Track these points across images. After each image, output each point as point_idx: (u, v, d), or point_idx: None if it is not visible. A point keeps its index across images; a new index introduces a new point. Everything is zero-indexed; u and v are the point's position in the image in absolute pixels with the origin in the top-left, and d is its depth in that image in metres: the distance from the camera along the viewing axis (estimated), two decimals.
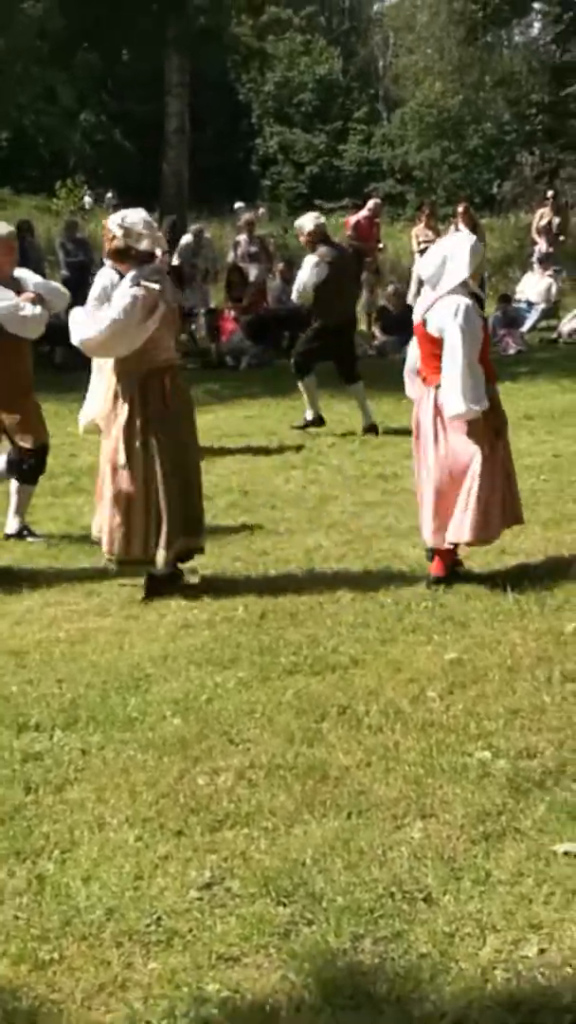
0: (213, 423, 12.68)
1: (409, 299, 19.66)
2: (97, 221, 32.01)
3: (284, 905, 3.85)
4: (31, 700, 5.57)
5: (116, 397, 7.01)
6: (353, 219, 20.80)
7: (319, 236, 12.01)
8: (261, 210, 29.35)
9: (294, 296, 12.57)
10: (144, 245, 7.03)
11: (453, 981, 3.48)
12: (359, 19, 60.40)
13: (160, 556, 6.98)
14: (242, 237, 19.93)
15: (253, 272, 19.05)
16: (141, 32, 23.24)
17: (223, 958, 3.61)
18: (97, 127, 44.77)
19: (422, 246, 20.28)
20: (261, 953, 3.63)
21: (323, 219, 12.66)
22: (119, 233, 7.05)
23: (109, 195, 38.63)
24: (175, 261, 19.25)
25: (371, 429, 11.95)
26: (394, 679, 5.64)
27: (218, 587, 7.21)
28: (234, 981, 3.51)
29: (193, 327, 19.18)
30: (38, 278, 8.26)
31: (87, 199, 35.05)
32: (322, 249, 11.95)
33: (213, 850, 4.19)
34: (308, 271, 11.91)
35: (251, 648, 6.14)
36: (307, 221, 12.21)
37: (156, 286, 6.87)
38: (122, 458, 6.87)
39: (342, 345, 12.26)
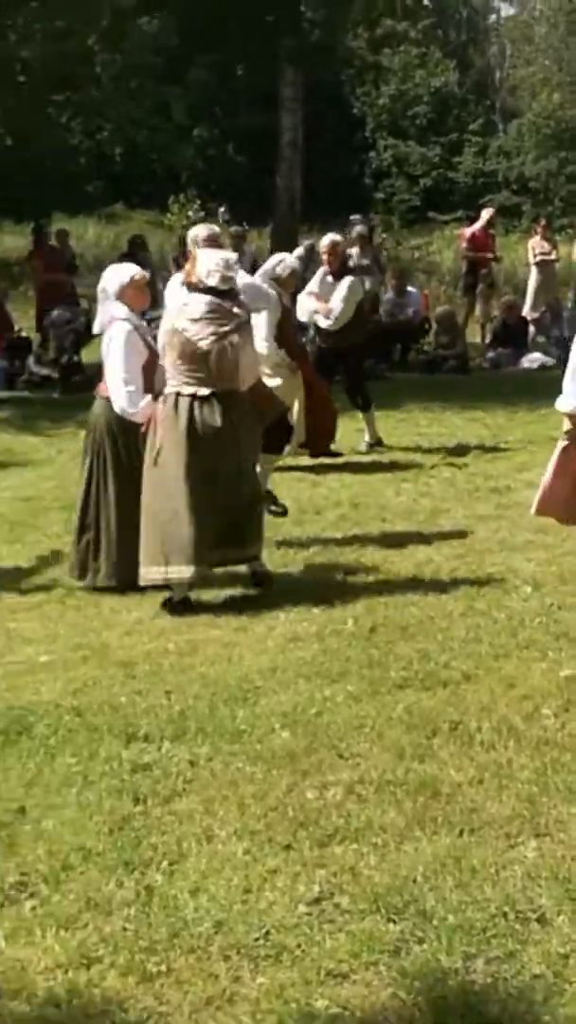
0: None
1: (524, 311, 19.51)
2: None
3: (394, 922, 3.79)
4: (140, 711, 5.57)
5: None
6: (469, 231, 20.67)
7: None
8: (372, 223, 29.29)
9: (330, 322, 11.44)
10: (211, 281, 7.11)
11: (567, 1003, 3.40)
12: (476, 31, 60.10)
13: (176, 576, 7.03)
14: (354, 250, 19.90)
15: (367, 285, 18.99)
16: (255, 47, 23.34)
17: (332, 974, 3.56)
18: (210, 142, 45.11)
19: (538, 258, 20.11)
20: (371, 970, 3.58)
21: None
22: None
23: (222, 209, 38.90)
24: None
25: (377, 443, 11.90)
26: (507, 695, 5.55)
27: (328, 600, 7.17)
28: (343, 998, 3.46)
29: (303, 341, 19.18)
30: None
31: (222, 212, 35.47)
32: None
33: (322, 865, 4.14)
34: (349, 294, 11.33)
35: (360, 662, 6.09)
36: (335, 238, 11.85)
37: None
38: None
39: (347, 369, 11.83)
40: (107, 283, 7.57)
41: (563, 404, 6.39)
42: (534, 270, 20.17)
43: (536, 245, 20.34)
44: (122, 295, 7.47)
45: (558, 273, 20.65)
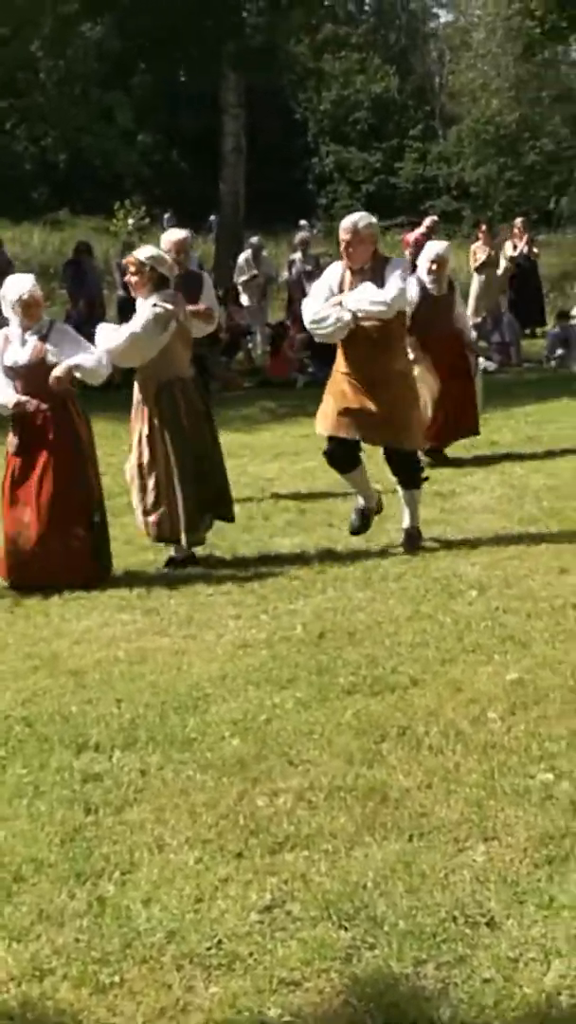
0: (270, 441, 12.71)
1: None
2: (154, 241, 32.24)
3: (345, 929, 3.82)
4: (90, 720, 5.57)
5: (137, 405, 8.21)
6: (412, 236, 20.79)
7: None
8: (315, 230, 29.41)
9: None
10: (163, 271, 8.13)
11: (517, 1007, 3.43)
12: (415, 37, 60.39)
13: (184, 538, 8.06)
14: (297, 256, 19.99)
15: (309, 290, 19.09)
16: (197, 52, 23.34)
17: (284, 982, 3.59)
18: (154, 147, 45.03)
19: (479, 263, 20.27)
20: (323, 977, 3.60)
21: None
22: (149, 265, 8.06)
23: (167, 215, 38.87)
24: (235, 278, 19.39)
25: None
26: (454, 700, 5.60)
27: (276, 606, 7.21)
28: (295, 1006, 3.48)
29: (250, 345, 19.24)
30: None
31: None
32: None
33: (273, 872, 4.17)
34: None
35: (309, 668, 6.12)
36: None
37: (171, 306, 7.99)
38: (147, 457, 8.07)
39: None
40: (6, 292, 7.94)
41: None
42: (475, 275, 20.32)
43: (478, 250, 20.49)
44: (13, 309, 7.88)
45: (498, 278, 20.82)
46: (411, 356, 9.54)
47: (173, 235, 9.65)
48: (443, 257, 10.90)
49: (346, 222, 8.45)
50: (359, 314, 8.01)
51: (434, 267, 10.79)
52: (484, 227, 21.95)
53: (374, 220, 8.67)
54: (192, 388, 8.22)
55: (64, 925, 3.92)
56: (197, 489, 8.04)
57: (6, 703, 5.85)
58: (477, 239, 21.16)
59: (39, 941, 3.84)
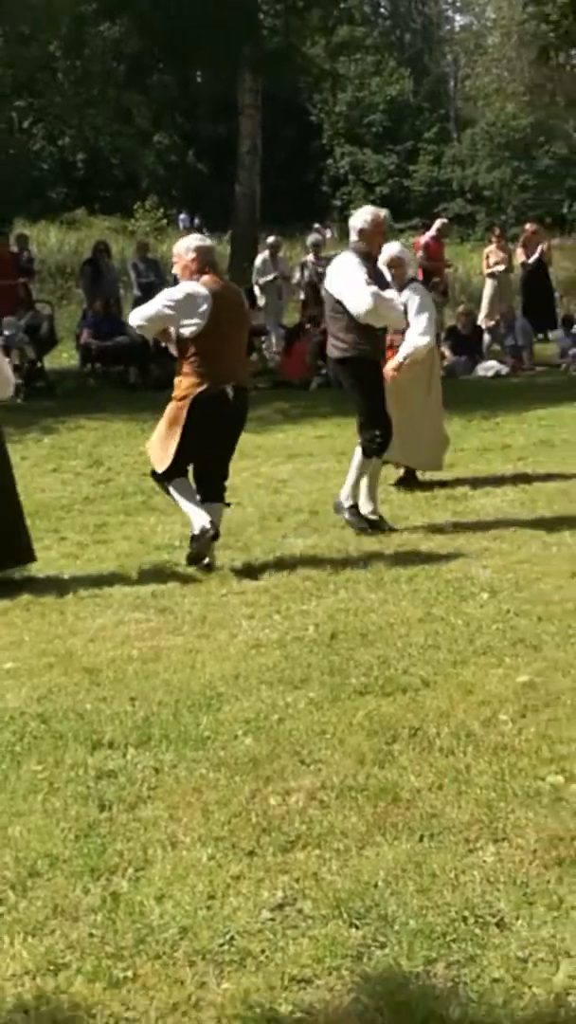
0: (283, 442, 12.75)
1: (479, 320, 19.68)
2: (170, 242, 32.33)
3: (356, 927, 3.86)
4: (104, 718, 5.61)
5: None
6: (422, 240, 20.84)
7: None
8: (328, 232, 29.44)
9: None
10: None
11: (526, 1007, 3.46)
12: (430, 40, 60.45)
13: None
14: (309, 258, 20.04)
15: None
16: (214, 54, 23.39)
17: (296, 979, 3.62)
18: (171, 148, 45.18)
19: (492, 268, 20.30)
20: (334, 975, 3.64)
21: None
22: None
23: (182, 216, 38.97)
24: (253, 280, 19.45)
25: None
26: (465, 701, 5.63)
27: (289, 607, 7.24)
28: (307, 1003, 3.52)
29: (264, 345, 19.28)
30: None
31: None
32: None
33: (285, 871, 4.20)
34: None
35: (322, 668, 6.16)
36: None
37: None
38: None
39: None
40: None
41: None
42: (488, 279, 20.36)
43: (491, 254, 20.53)
44: None
45: (511, 282, 20.88)
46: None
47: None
48: (399, 258, 9.99)
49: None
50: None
51: (393, 270, 9.84)
52: (498, 231, 21.99)
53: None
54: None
55: (78, 920, 3.96)
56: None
57: (21, 700, 5.90)
58: (490, 243, 21.19)
59: (53, 936, 3.88)
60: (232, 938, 3.83)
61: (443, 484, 10.52)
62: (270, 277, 19.52)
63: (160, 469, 8.16)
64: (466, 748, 5.12)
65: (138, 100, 23.25)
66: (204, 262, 8.09)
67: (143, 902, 4.03)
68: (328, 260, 19.63)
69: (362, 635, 6.66)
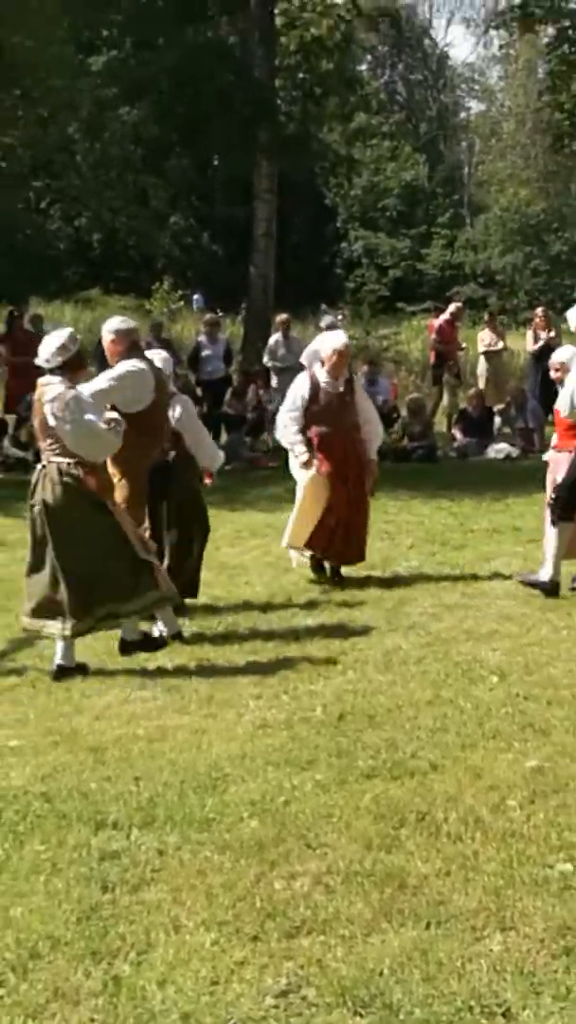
0: None
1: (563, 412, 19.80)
2: (184, 323, 32.59)
3: (361, 1016, 3.80)
4: (109, 797, 5.57)
5: None
6: (436, 323, 21.02)
7: None
8: (340, 315, 29.67)
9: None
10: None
11: None
12: (445, 126, 61.31)
13: None
14: None
15: None
16: (231, 139, 23.72)
17: None
18: (186, 230, 45.68)
19: (483, 350, 20.57)
20: None
21: None
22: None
23: (196, 296, 39.31)
24: (265, 361, 19.57)
25: None
26: (474, 786, 5.58)
27: (296, 687, 7.21)
28: None
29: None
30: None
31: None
32: None
33: (289, 957, 4.15)
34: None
35: (329, 750, 6.12)
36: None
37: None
38: None
39: None
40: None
41: None
42: (482, 360, 20.59)
43: (485, 336, 20.76)
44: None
45: (514, 363, 21.09)
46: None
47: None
48: (340, 351, 9.83)
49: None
50: None
51: (334, 359, 9.80)
52: (489, 315, 22.37)
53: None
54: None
55: (79, 1004, 3.91)
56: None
57: (25, 778, 5.86)
58: (484, 326, 21.46)
59: (54, 1020, 3.83)
60: None
61: (453, 565, 10.51)
62: (279, 364, 19.64)
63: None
64: (474, 834, 5.07)
65: (155, 183, 23.54)
66: (131, 341, 8.50)
67: (145, 986, 3.98)
68: None
69: (370, 717, 6.62)
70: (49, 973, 4.09)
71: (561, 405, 9.27)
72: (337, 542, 9.89)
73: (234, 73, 23.14)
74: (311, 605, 9.26)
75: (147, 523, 8.45)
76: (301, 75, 25.50)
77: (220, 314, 25.17)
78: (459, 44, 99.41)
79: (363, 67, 52.13)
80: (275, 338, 19.87)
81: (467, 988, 3.92)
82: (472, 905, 4.46)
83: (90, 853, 4.99)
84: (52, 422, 7.47)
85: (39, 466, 7.72)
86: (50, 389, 7.53)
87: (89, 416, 7.54)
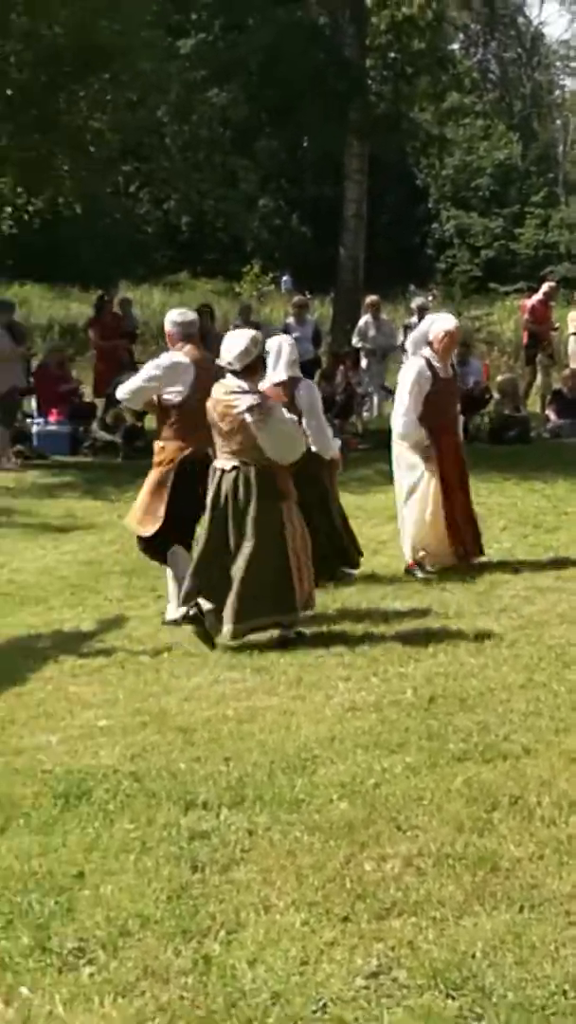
0: (384, 503, 12.62)
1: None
2: (273, 304, 32.59)
3: (453, 998, 3.75)
4: (199, 778, 5.57)
5: None
6: (529, 303, 20.78)
7: None
8: (431, 296, 29.50)
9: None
10: None
11: None
12: (540, 105, 60.61)
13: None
14: (414, 319, 20.06)
15: None
16: (322, 120, 23.58)
17: None
18: (275, 212, 45.65)
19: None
20: None
21: None
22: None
23: (285, 278, 39.29)
24: (355, 342, 19.49)
25: None
26: (568, 770, 5.50)
27: (386, 669, 7.16)
28: None
29: (365, 409, 19.26)
30: None
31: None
32: None
33: (380, 938, 4.11)
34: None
35: (419, 733, 6.06)
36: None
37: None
38: None
39: None
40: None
41: None
42: (572, 339, 20.27)
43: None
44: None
45: None
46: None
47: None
48: (452, 333, 9.64)
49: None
50: None
51: (446, 341, 9.60)
52: None
53: None
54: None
55: (169, 982, 3.90)
56: None
57: (115, 758, 5.88)
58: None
59: (144, 997, 3.83)
60: (325, 1005, 3.75)
61: (546, 547, 10.38)
62: (369, 346, 19.52)
63: (148, 531, 8.34)
64: (568, 818, 5.00)
65: (244, 164, 23.49)
66: (184, 334, 8.48)
67: (235, 966, 3.97)
68: None
69: (461, 700, 6.55)
70: (139, 951, 4.09)
71: None
72: (469, 540, 9.75)
73: (325, 53, 22.96)
74: (401, 587, 9.19)
75: (162, 513, 8.32)
76: (392, 54, 25.23)
77: (309, 296, 25.08)
78: (553, 21, 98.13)
79: (456, 46, 51.66)
80: (365, 319, 19.76)
81: (561, 972, 3.86)
82: (566, 889, 4.39)
83: (180, 832, 4.99)
84: (253, 430, 7.59)
85: (219, 467, 7.82)
86: (242, 399, 7.61)
87: (285, 421, 7.75)
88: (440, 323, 9.71)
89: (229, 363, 7.64)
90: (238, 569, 7.64)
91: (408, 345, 9.96)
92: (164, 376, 8.34)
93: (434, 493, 9.49)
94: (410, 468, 9.59)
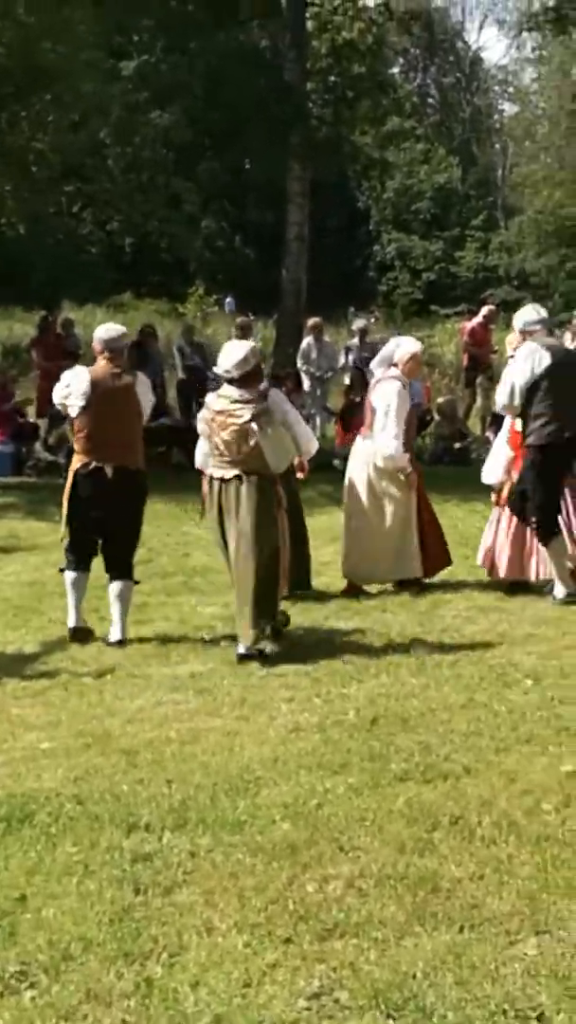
0: (326, 524, 12.69)
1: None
2: (216, 325, 32.64)
3: (394, 1019, 3.77)
4: (141, 800, 5.57)
5: None
6: (469, 325, 20.97)
7: None
8: (372, 318, 29.67)
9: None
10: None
11: None
12: (479, 129, 61.20)
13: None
14: (354, 342, 20.18)
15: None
16: (263, 143, 23.72)
17: None
18: (218, 234, 45.74)
19: (511, 353, 20.41)
20: None
21: None
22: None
23: (228, 300, 39.38)
24: (299, 365, 19.57)
25: None
26: (508, 790, 5.55)
27: (329, 690, 7.19)
28: None
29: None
30: None
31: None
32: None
33: (322, 959, 4.13)
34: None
35: (362, 754, 6.09)
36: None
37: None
38: None
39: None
40: None
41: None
42: (510, 362, 20.43)
43: (513, 340, 20.61)
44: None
45: None
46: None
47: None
48: (417, 354, 9.91)
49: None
50: None
51: (411, 363, 9.87)
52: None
53: None
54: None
55: (111, 1005, 3.89)
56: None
57: (58, 780, 5.86)
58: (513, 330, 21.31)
59: (86, 1021, 3.82)
60: None
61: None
62: (312, 368, 19.59)
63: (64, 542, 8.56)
64: (508, 838, 5.03)
65: (187, 186, 23.54)
66: (102, 349, 8.52)
67: (177, 988, 3.97)
68: (373, 346, 19.87)
69: (403, 720, 6.59)
70: (81, 975, 4.08)
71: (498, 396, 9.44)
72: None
73: (266, 77, 23.13)
74: (344, 608, 9.24)
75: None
76: (333, 78, 25.46)
77: (252, 317, 25.16)
78: (492, 46, 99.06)
79: (396, 70, 52.11)
80: (307, 341, 19.86)
81: (501, 992, 3.89)
82: (506, 909, 4.43)
83: (122, 855, 4.98)
84: (257, 438, 7.73)
85: (217, 477, 7.96)
86: (245, 409, 7.75)
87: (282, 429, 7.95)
88: (405, 346, 9.94)
89: (227, 371, 7.77)
90: (250, 578, 7.84)
91: (374, 366, 10.08)
92: (63, 389, 8.55)
93: (424, 515, 9.81)
94: (399, 490, 9.72)
